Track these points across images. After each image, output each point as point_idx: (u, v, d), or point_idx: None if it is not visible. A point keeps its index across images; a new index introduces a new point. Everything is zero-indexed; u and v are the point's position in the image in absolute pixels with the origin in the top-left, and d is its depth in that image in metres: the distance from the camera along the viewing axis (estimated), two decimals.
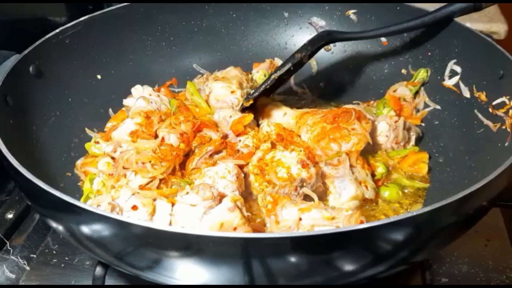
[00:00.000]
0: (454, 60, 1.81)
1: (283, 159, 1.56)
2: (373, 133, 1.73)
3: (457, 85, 1.79)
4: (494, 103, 1.63)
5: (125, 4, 1.93)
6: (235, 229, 1.34)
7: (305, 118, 1.76)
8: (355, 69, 2.03)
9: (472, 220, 1.33)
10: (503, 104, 1.60)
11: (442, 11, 1.76)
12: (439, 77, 1.85)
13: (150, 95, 1.85)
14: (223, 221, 1.35)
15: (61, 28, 1.76)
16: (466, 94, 1.75)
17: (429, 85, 1.89)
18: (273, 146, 1.66)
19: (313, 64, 2.06)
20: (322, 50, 1.90)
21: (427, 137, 1.82)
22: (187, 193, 1.43)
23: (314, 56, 1.85)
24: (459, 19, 1.78)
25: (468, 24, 1.79)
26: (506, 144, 1.52)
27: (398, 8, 1.90)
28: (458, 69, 1.80)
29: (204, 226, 1.36)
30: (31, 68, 1.64)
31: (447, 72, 1.83)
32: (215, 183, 1.51)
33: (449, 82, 1.82)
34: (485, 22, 2.31)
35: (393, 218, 1.13)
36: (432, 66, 1.88)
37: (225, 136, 1.71)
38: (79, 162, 1.69)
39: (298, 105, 1.97)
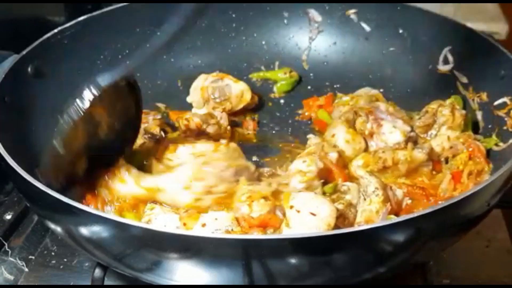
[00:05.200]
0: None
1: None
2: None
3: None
4: (495, 103, 1.62)
5: (124, 4, 1.92)
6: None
7: None
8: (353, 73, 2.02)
9: (474, 221, 1.33)
10: (504, 105, 1.60)
11: None
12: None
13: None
14: None
15: (59, 28, 1.75)
16: (467, 94, 1.75)
17: None
18: None
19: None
20: (317, 57, 1.92)
21: None
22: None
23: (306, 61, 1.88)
24: (459, 19, 1.78)
25: (469, 24, 1.78)
26: (507, 144, 1.52)
27: (398, 8, 1.90)
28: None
29: None
30: (29, 69, 1.63)
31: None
32: None
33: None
34: (486, 22, 2.30)
35: (394, 219, 1.13)
36: (432, 67, 1.87)
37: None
38: None
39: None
